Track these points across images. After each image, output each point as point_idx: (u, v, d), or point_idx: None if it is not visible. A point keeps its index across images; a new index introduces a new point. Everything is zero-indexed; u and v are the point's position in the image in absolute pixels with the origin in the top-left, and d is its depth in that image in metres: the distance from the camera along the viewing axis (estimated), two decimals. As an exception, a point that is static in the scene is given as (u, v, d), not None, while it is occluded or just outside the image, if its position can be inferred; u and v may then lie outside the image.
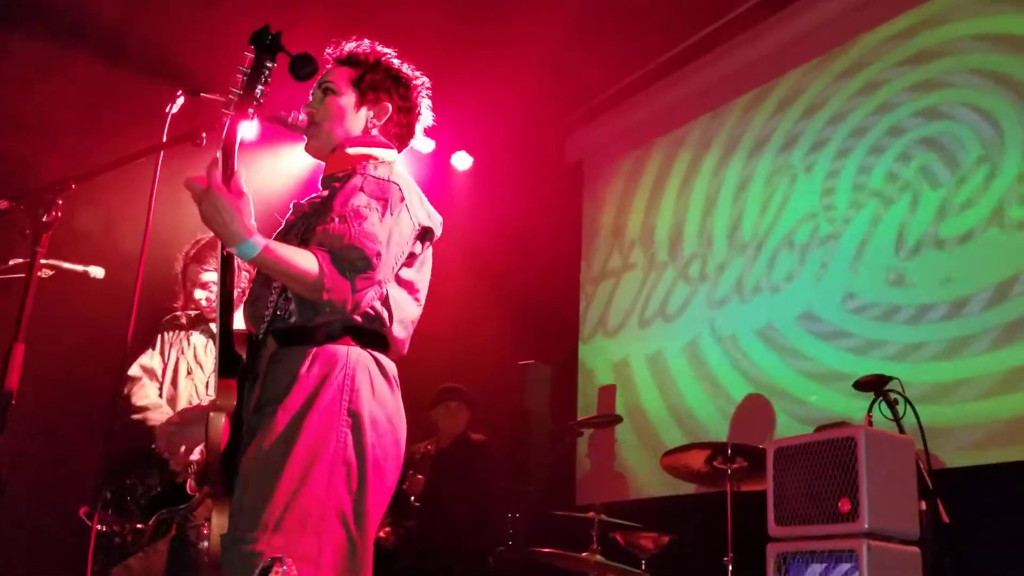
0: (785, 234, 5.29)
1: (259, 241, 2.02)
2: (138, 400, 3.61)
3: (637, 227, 6.40)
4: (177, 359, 3.73)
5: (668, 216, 6.17)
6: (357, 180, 2.27)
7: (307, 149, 2.43)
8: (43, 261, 2.60)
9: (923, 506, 3.03)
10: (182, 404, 3.63)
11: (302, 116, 2.36)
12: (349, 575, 2.06)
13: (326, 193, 2.34)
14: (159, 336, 3.77)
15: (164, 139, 2.72)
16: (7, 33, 4.98)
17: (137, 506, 3.47)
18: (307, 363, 2.13)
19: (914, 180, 4.66)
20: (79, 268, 3.15)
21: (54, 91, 5.01)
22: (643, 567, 4.17)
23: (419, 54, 2.58)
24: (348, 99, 2.41)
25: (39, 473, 4.77)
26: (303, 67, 2.16)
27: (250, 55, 2.13)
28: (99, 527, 3.35)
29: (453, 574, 5.17)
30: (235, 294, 2.25)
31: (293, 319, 2.19)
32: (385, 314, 2.23)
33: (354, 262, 2.10)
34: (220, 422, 2.09)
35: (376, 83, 2.43)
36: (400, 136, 2.49)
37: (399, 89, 2.46)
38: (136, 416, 3.58)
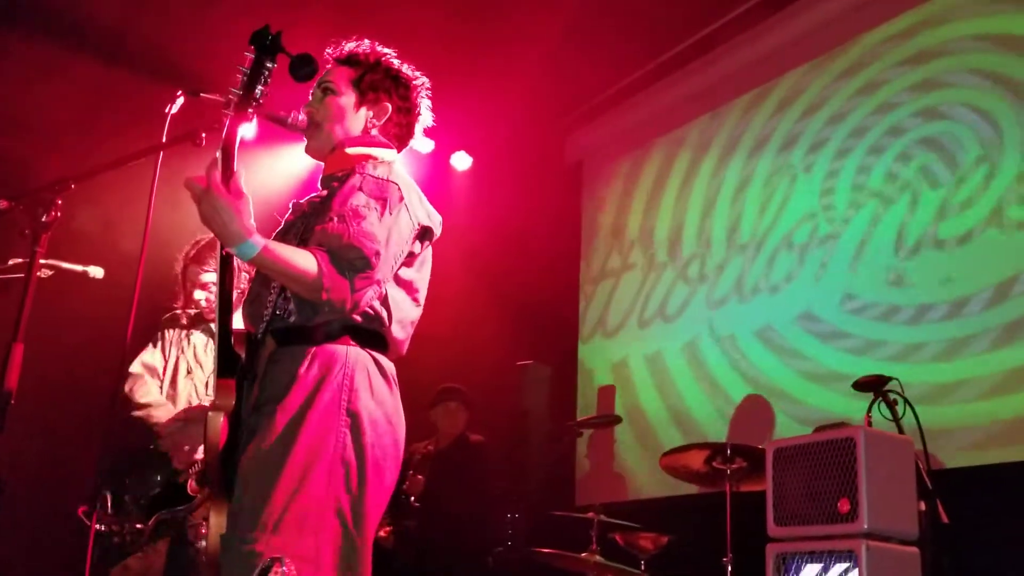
0: (785, 234, 5.29)
1: (258, 241, 2.02)
2: (141, 397, 3.60)
3: (637, 227, 6.40)
4: (177, 357, 3.73)
5: (668, 216, 6.17)
6: (356, 180, 2.27)
7: (307, 151, 2.43)
8: (42, 261, 2.60)
9: (922, 506, 3.03)
10: (181, 403, 3.64)
11: (302, 116, 2.36)
12: (348, 575, 2.06)
13: (325, 193, 2.34)
14: (159, 334, 3.77)
15: (164, 139, 2.72)
16: (7, 33, 4.98)
17: (137, 506, 3.47)
18: (306, 363, 2.13)
19: (913, 180, 4.66)
20: (78, 268, 3.15)
21: (54, 91, 5.01)
22: (642, 567, 4.17)
23: (419, 54, 2.58)
24: (348, 99, 2.41)
25: (38, 473, 4.77)
26: (303, 67, 2.16)
27: (250, 55, 2.13)
28: (98, 527, 3.35)
29: (453, 574, 5.17)
30: (235, 295, 2.25)
31: (292, 319, 2.19)
32: (384, 314, 2.23)
33: (353, 261, 2.10)
34: (218, 421, 2.09)
35: (376, 83, 2.43)
36: (400, 136, 2.49)
37: (399, 89, 2.46)
38: (139, 413, 3.57)
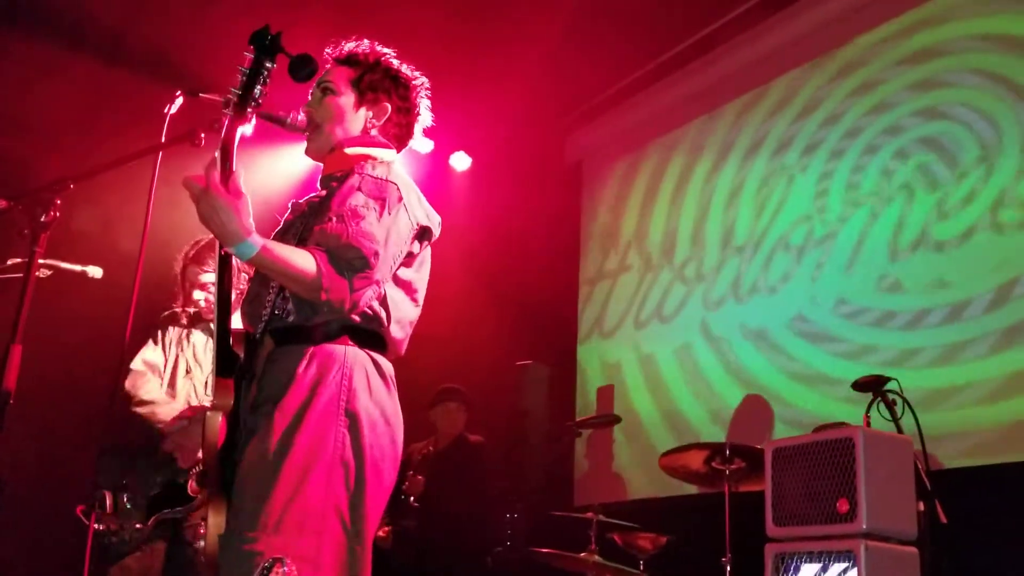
0: (781, 236, 5.29)
1: (257, 241, 2.01)
2: (145, 394, 3.59)
3: (635, 228, 6.40)
4: (177, 356, 3.72)
5: (666, 217, 6.17)
6: (355, 180, 2.27)
7: (307, 152, 2.43)
8: (41, 261, 2.59)
9: (921, 506, 3.03)
10: (180, 403, 3.63)
11: (301, 116, 2.36)
12: (348, 575, 2.07)
13: (324, 193, 2.34)
14: (159, 331, 3.77)
15: (163, 139, 2.72)
16: (7, 33, 4.98)
17: (136, 505, 3.46)
18: (304, 363, 2.13)
19: (912, 181, 4.66)
20: (77, 268, 3.15)
21: (54, 91, 5.01)
22: (641, 567, 4.17)
23: (418, 54, 2.58)
24: (347, 99, 2.41)
25: (38, 473, 4.77)
26: (302, 68, 2.16)
27: (249, 55, 2.13)
28: (97, 526, 3.35)
29: (452, 574, 5.17)
30: (234, 295, 2.25)
31: (291, 318, 2.20)
32: (383, 314, 2.23)
33: (351, 261, 2.10)
34: (217, 421, 2.09)
35: (375, 83, 2.43)
36: (399, 136, 2.49)
37: (398, 89, 2.46)
38: (142, 410, 3.55)
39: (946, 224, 4.43)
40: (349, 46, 2.47)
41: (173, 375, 3.69)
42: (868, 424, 3.30)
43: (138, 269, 2.72)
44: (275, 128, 2.34)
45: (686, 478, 4.26)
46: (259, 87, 2.11)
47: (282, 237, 2.30)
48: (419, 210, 2.31)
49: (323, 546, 2.02)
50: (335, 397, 2.11)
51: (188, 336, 3.75)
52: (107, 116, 5.06)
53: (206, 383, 3.66)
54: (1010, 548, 3.72)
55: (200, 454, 3.37)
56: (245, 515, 2.02)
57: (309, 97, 2.45)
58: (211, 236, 2.11)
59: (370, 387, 2.17)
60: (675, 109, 6.28)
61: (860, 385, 3.53)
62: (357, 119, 2.42)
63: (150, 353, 3.71)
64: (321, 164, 2.43)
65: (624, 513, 4.38)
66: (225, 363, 2.15)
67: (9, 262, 2.95)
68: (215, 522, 2.07)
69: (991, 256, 4.20)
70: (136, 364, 3.67)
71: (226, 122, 2.08)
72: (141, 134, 2.99)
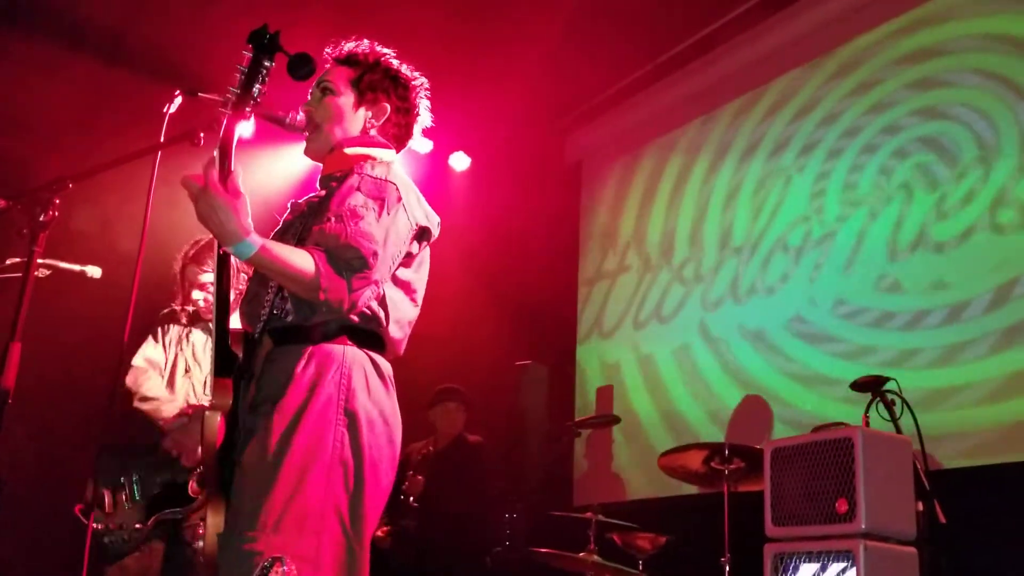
0: (779, 236, 5.28)
1: (255, 240, 2.01)
2: (148, 391, 3.59)
3: (634, 228, 6.40)
4: (176, 355, 3.72)
5: (666, 218, 6.17)
6: (354, 180, 2.27)
7: (306, 152, 2.43)
8: (40, 260, 2.59)
9: (920, 506, 3.03)
10: (179, 402, 3.63)
11: (300, 116, 2.36)
12: (347, 575, 2.07)
13: (324, 193, 2.34)
14: (159, 329, 3.76)
15: (162, 139, 2.72)
16: (7, 33, 4.98)
17: (136, 505, 3.46)
18: (303, 362, 2.13)
19: (911, 181, 4.66)
20: (76, 268, 3.15)
21: (53, 91, 5.01)
22: (640, 568, 4.17)
23: (418, 54, 2.58)
24: (347, 99, 2.41)
25: (37, 472, 4.77)
26: (301, 67, 2.16)
27: (248, 54, 2.13)
28: (96, 525, 3.35)
29: (451, 574, 5.17)
30: (232, 296, 2.25)
31: (290, 318, 2.19)
32: (382, 314, 2.23)
33: (350, 261, 2.10)
34: (215, 421, 2.09)
35: (375, 83, 2.43)
36: (398, 137, 2.49)
37: (398, 90, 2.46)
38: (146, 406, 3.54)
39: (945, 224, 4.43)
40: (349, 46, 2.47)
41: (172, 374, 3.69)
42: (867, 424, 3.30)
43: (137, 269, 2.72)
44: (274, 128, 2.34)
45: (685, 478, 4.26)
46: (258, 86, 2.11)
47: (281, 237, 2.29)
48: (418, 210, 2.31)
49: (323, 546, 2.02)
50: (334, 397, 2.11)
51: (188, 335, 3.75)
52: (106, 116, 5.06)
53: (205, 383, 3.66)
54: (1009, 548, 3.72)
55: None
56: (244, 515, 2.02)
57: (308, 97, 2.45)
58: (211, 236, 2.11)
59: (369, 387, 2.17)
60: (675, 109, 6.28)
61: (859, 385, 3.53)
62: (356, 119, 2.42)
63: (151, 350, 3.71)
64: (320, 164, 2.43)
65: (623, 513, 4.38)
66: (223, 363, 2.15)
67: (8, 262, 2.95)
68: (214, 522, 2.07)
69: (990, 256, 4.19)
70: (138, 360, 3.66)
71: (224, 121, 2.08)
72: (140, 134, 2.99)
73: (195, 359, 3.72)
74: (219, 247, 2.11)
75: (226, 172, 2.02)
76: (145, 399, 3.56)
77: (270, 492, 2.00)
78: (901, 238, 4.60)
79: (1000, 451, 3.98)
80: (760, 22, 5.67)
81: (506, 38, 5.57)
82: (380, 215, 2.19)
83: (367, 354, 2.20)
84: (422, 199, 2.35)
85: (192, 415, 3.51)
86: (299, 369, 2.12)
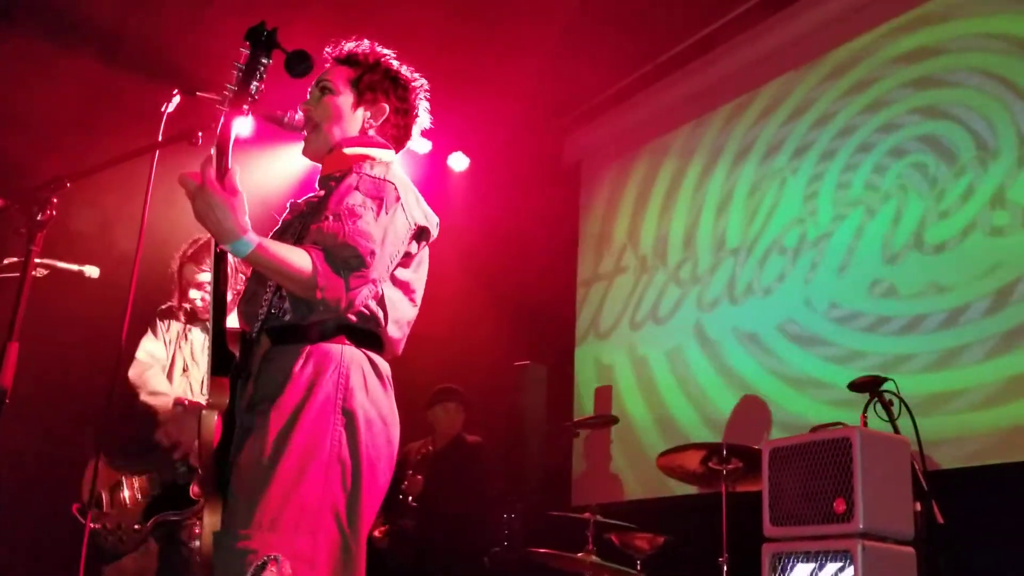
0: (775, 238, 5.28)
1: (252, 239, 2.01)
2: (155, 385, 3.57)
3: (633, 230, 6.40)
4: (175, 353, 3.72)
5: (665, 219, 6.16)
6: (353, 179, 2.26)
7: (305, 152, 2.43)
8: (38, 260, 2.59)
9: (918, 506, 3.03)
10: (178, 401, 3.62)
11: (299, 115, 2.36)
12: (343, 575, 2.06)
13: (323, 192, 2.34)
14: (158, 324, 3.76)
15: (160, 138, 2.72)
16: (5, 32, 4.98)
17: (135, 505, 3.46)
18: (300, 361, 2.13)
19: (908, 182, 4.65)
20: (74, 267, 3.15)
21: (51, 90, 5.00)
22: (638, 568, 4.17)
23: (418, 55, 2.58)
24: (346, 99, 2.41)
25: (35, 472, 4.76)
26: (299, 64, 2.16)
27: (245, 52, 2.13)
28: (94, 525, 3.34)
29: (450, 574, 5.17)
30: (230, 296, 2.25)
31: (287, 317, 2.19)
32: (380, 314, 2.23)
33: (348, 260, 2.09)
34: (212, 420, 2.09)
35: (374, 84, 2.43)
36: (397, 137, 2.49)
37: (397, 90, 2.46)
38: (154, 401, 3.52)
39: (942, 225, 4.42)
40: (349, 46, 2.47)
41: (170, 372, 3.68)
42: (865, 424, 3.30)
43: (135, 268, 2.72)
44: (273, 128, 2.34)
45: (683, 478, 4.26)
46: (255, 83, 2.11)
47: (280, 237, 2.29)
48: (417, 210, 2.31)
49: (319, 545, 2.02)
50: (331, 396, 2.10)
51: (187, 333, 3.75)
52: (104, 115, 5.06)
53: (203, 382, 3.65)
54: (1007, 548, 3.72)
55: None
56: (240, 513, 2.02)
57: (307, 96, 2.45)
58: (209, 236, 2.10)
59: (367, 386, 2.16)
60: (674, 110, 6.28)
61: (857, 386, 3.53)
62: (355, 119, 2.41)
63: (151, 344, 3.70)
64: (319, 164, 2.43)
65: (621, 513, 4.38)
66: (221, 362, 2.15)
67: (6, 261, 2.95)
68: (210, 521, 2.06)
69: (987, 259, 4.19)
70: (140, 354, 3.65)
71: (222, 119, 2.07)
72: (138, 133, 2.99)
73: (193, 358, 3.71)
74: (216, 245, 2.11)
75: (223, 170, 2.01)
76: (153, 393, 3.54)
77: (266, 491, 2.00)
78: (897, 240, 4.59)
79: (998, 456, 3.97)
80: (760, 22, 5.67)
81: (505, 39, 5.57)
82: (378, 214, 2.19)
83: (365, 354, 2.20)
84: (421, 199, 2.35)
85: (188, 407, 3.49)
86: (297, 368, 2.12)
